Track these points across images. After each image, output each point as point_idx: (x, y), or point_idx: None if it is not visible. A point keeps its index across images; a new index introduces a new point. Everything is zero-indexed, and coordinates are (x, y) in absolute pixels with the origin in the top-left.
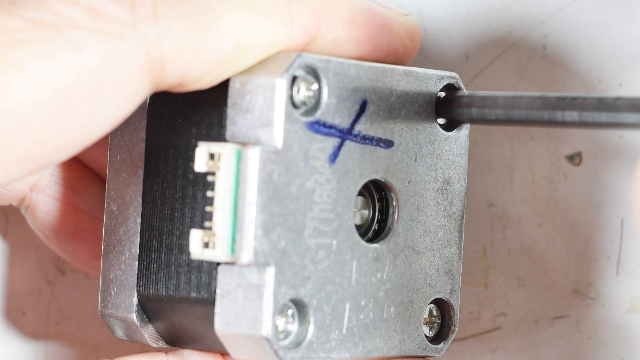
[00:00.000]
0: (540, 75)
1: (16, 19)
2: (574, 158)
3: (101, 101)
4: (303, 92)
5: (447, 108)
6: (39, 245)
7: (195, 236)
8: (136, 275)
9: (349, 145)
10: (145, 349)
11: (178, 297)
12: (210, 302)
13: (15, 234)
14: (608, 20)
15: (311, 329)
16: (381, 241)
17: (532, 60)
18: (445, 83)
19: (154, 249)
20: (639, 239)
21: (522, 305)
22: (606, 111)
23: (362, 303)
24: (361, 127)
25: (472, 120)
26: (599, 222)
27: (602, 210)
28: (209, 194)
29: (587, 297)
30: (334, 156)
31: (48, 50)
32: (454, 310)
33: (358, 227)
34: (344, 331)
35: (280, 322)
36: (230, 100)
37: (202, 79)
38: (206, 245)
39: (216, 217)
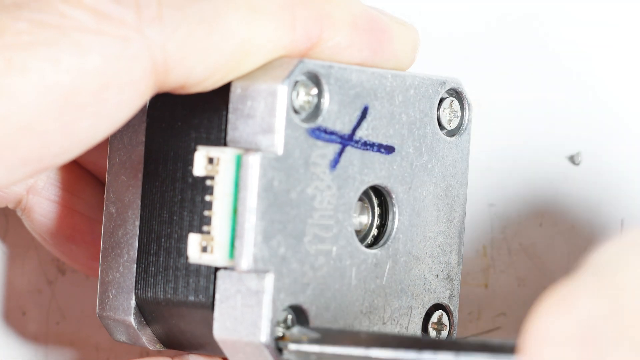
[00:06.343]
0: (540, 75)
1: (21, 21)
2: (574, 158)
3: (105, 104)
4: (302, 97)
5: None
6: (39, 246)
7: (194, 240)
8: (134, 278)
9: (349, 151)
10: (146, 350)
11: (176, 300)
12: (208, 306)
13: (15, 234)
14: None
15: None
16: (381, 247)
17: (531, 58)
18: (447, 88)
19: (152, 252)
20: None
21: (522, 305)
22: None
23: (361, 309)
24: (362, 133)
25: None
26: (599, 222)
27: (602, 210)
28: (207, 198)
29: None
30: (334, 162)
31: (53, 53)
32: (452, 316)
33: (357, 233)
34: None
35: (279, 329)
36: (231, 106)
37: (205, 81)
38: (204, 249)
39: (214, 221)
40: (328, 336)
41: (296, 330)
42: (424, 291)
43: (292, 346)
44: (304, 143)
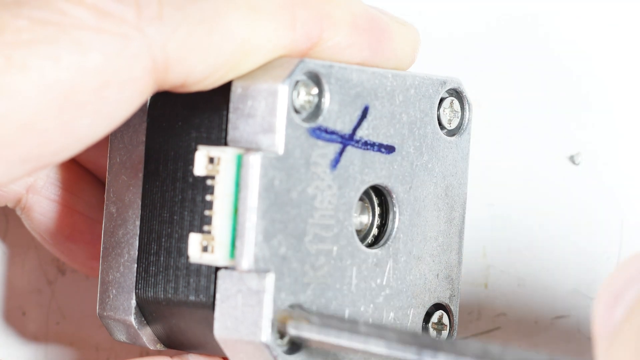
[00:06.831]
0: (540, 75)
1: (21, 18)
2: (574, 158)
3: (105, 102)
4: (303, 97)
5: None
6: (39, 245)
7: (194, 240)
8: (135, 278)
9: (350, 150)
10: (146, 350)
11: (176, 300)
12: (209, 306)
13: (15, 234)
14: None
15: None
16: (381, 247)
17: (531, 58)
18: (447, 88)
19: (152, 251)
20: (639, 239)
21: (522, 305)
22: None
23: (362, 309)
24: (363, 133)
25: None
26: (599, 222)
27: (602, 210)
28: (208, 197)
29: (587, 297)
30: (335, 162)
31: (53, 51)
32: (453, 316)
33: (357, 232)
34: None
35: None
36: (232, 105)
37: (205, 80)
38: (205, 249)
39: (215, 221)
40: (328, 323)
41: (297, 313)
42: (425, 291)
43: (292, 330)
44: (305, 143)
